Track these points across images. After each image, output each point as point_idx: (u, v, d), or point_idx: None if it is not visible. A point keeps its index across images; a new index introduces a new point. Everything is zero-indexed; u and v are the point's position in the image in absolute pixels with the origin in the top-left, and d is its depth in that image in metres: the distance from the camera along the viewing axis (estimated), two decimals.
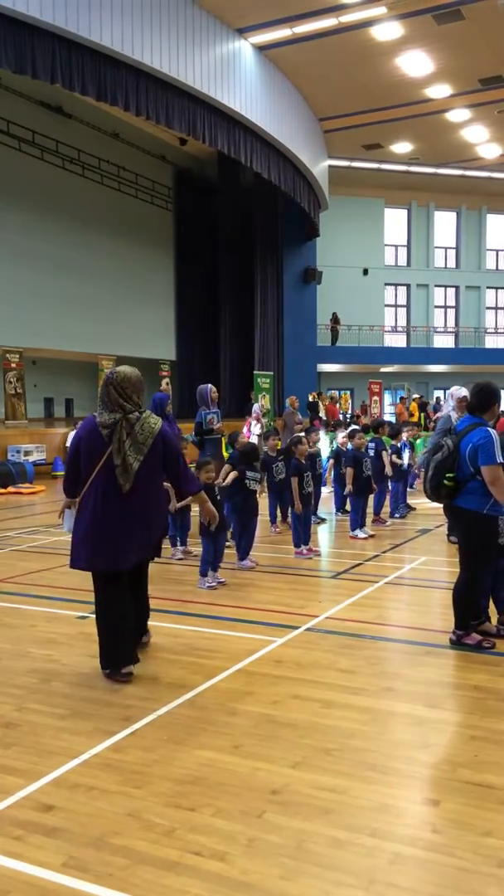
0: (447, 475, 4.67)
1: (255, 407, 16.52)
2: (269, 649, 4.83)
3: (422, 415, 21.41)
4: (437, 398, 28.35)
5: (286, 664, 4.56)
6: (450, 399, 8.48)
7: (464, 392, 8.10)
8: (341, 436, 10.95)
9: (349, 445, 9.28)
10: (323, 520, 10.05)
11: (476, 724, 3.71)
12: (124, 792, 3.07)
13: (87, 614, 5.71)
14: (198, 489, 4.71)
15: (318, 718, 3.77)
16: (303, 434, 8.61)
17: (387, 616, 5.75)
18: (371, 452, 9.57)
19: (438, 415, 8.51)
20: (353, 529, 8.95)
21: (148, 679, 4.33)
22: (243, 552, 7.37)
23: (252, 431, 15.94)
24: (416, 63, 19.59)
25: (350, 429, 10.56)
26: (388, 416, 27.62)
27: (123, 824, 2.83)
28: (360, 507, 9.01)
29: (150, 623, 4.87)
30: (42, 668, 4.55)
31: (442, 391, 31.15)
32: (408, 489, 11.15)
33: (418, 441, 12.41)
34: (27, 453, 16.30)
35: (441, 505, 5.15)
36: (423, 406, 22.59)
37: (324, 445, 12.55)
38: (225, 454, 10.00)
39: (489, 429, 4.66)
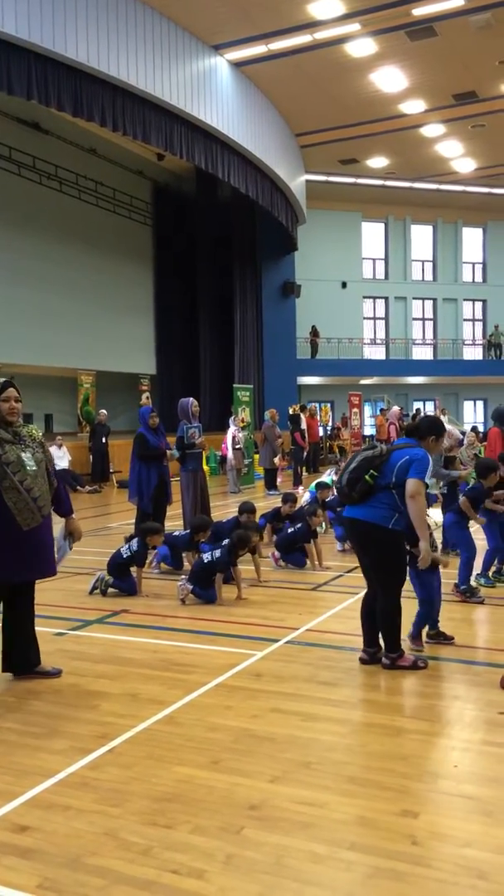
0: (371, 472, 4.49)
1: (230, 420, 16.51)
2: (248, 663, 4.80)
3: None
4: (417, 409, 28.47)
5: (266, 678, 4.53)
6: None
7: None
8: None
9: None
10: None
11: (455, 734, 3.70)
12: (101, 811, 3.02)
13: (65, 631, 5.65)
14: None
15: (298, 732, 3.75)
16: (318, 506, 8.24)
17: None
18: None
19: None
20: (338, 541, 8.90)
21: (126, 695, 4.28)
22: None
23: (230, 445, 15.95)
24: (390, 79, 19.82)
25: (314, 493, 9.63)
26: (369, 429, 27.82)
27: (100, 844, 2.78)
28: None
29: (128, 638, 4.81)
30: (19, 686, 4.49)
31: (422, 403, 31.38)
32: None
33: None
34: None
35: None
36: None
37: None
38: (206, 468, 9.95)
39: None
